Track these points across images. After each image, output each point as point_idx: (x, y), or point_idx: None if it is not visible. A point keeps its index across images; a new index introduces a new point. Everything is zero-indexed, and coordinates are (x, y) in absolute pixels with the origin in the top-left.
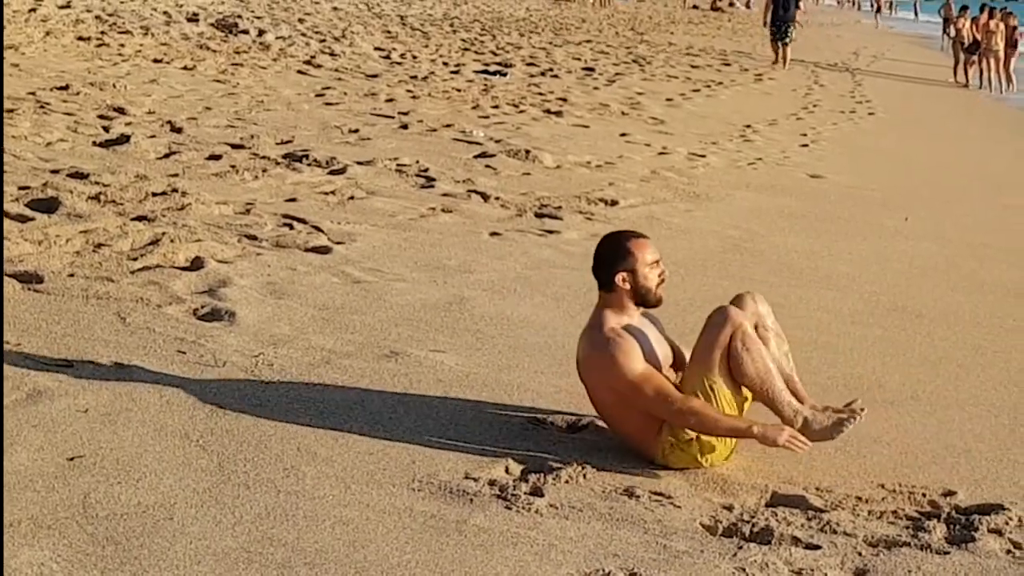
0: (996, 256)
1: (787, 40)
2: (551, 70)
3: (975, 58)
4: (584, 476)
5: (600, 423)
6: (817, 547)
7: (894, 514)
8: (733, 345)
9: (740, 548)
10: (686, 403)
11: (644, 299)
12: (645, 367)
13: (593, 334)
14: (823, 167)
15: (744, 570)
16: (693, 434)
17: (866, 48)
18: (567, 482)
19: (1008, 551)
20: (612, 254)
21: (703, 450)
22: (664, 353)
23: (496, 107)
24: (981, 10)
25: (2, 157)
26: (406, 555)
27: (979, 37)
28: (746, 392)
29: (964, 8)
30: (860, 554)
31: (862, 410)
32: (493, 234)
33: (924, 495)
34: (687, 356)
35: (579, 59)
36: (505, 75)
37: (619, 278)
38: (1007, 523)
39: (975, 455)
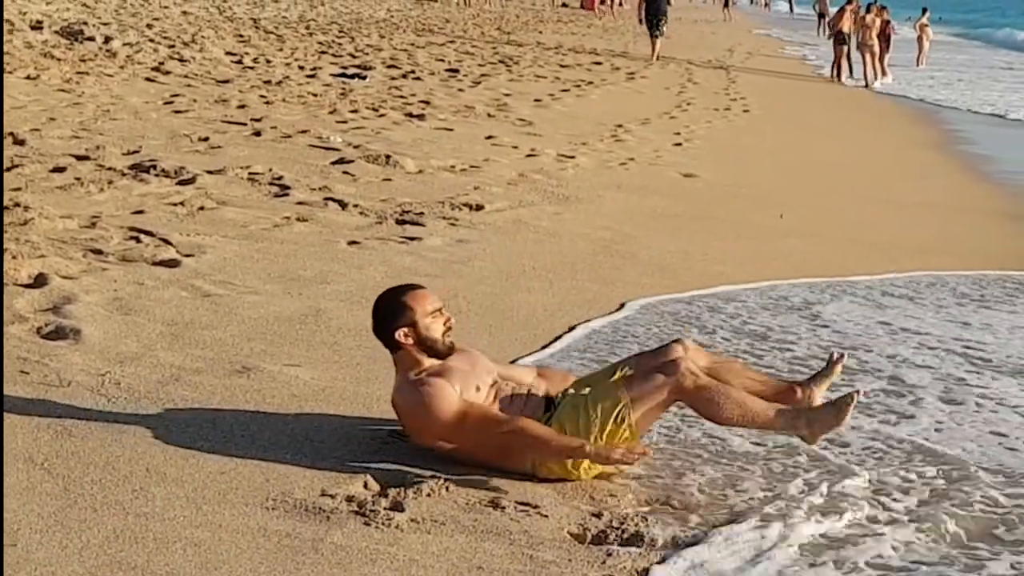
0: (868, 252)
1: (657, 33)
2: (413, 72)
3: (844, 49)
4: (447, 489)
5: None
6: (689, 550)
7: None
8: (701, 405)
9: (610, 555)
10: (513, 424)
11: (432, 350)
12: (459, 403)
13: (398, 396)
14: (697, 166)
15: None
16: None
17: (740, 45)
18: (429, 496)
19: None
20: (388, 312)
21: (574, 464)
22: (485, 372)
23: (355, 111)
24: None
25: (2, 159)
26: (260, 575)
27: (845, 29)
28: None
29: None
30: (737, 556)
31: (859, 392)
32: (351, 243)
33: (791, 495)
34: (525, 373)
35: (443, 60)
36: (364, 78)
37: (400, 335)
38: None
39: None
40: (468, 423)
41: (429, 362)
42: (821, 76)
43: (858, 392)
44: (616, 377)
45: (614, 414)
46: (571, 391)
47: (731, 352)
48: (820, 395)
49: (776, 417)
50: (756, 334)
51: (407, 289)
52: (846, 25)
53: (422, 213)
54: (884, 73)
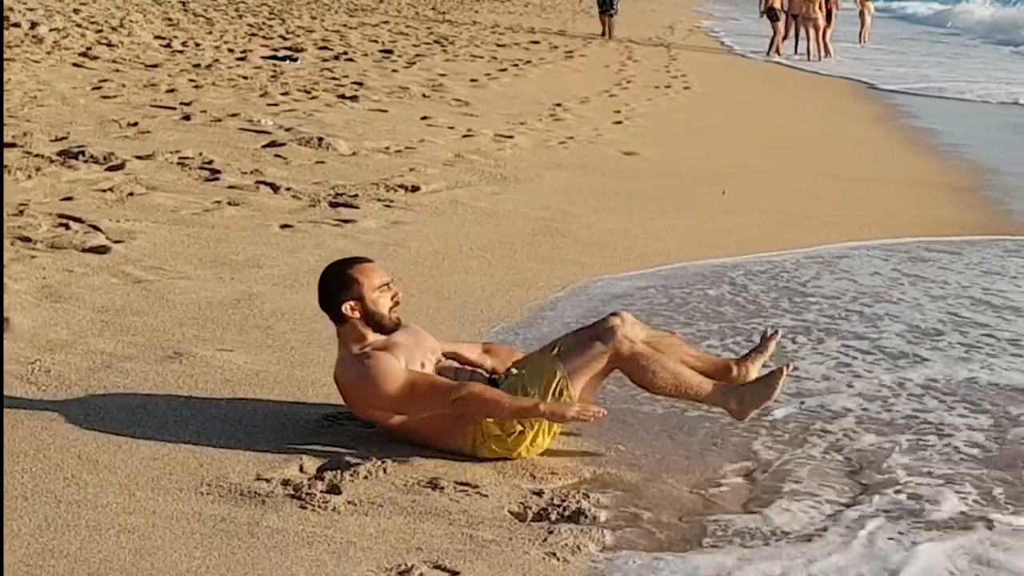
0: (811, 225)
1: (612, 12)
2: (346, 53)
3: (780, 25)
4: (384, 471)
5: None
6: (630, 526)
7: (703, 485)
8: (635, 371)
9: (551, 532)
10: (462, 391)
11: (378, 325)
12: (405, 374)
13: (342, 369)
14: (637, 144)
15: (555, 554)
16: (499, 429)
17: (681, 22)
18: (366, 478)
19: None
20: (335, 285)
21: (515, 442)
22: (428, 347)
23: (286, 94)
24: None
25: (2, 162)
26: (195, 560)
27: (776, 5)
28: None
29: None
30: (675, 527)
31: (788, 366)
32: (284, 226)
33: (728, 470)
34: (466, 349)
35: (376, 41)
36: (296, 60)
37: (347, 308)
38: None
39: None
40: (417, 393)
41: (374, 337)
42: (766, 53)
43: (788, 367)
44: (554, 352)
45: (552, 388)
46: (513, 370)
47: (669, 328)
48: (755, 371)
49: (709, 391)
50: (696, 310)
51: (355, 262)
52: (777, 1)
53: (356, 195)
54: (828, 50)
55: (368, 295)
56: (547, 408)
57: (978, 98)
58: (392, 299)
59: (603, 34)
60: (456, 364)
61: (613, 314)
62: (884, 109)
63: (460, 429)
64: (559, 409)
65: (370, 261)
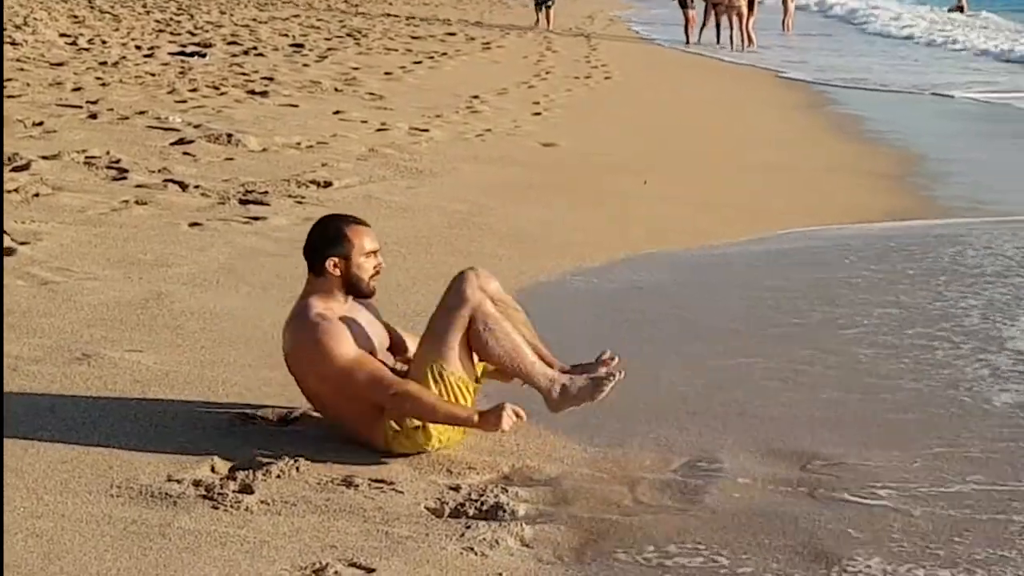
0: (734, 216)
1: (549, 4)
2: (255, 48)
3: (691, 13)
4: (297, 469)
5: (314, 413)
6: (548, 520)
7: (622, 480)
8: (475, 328)
9: (468, 528)
10: (402, 387)
11: (355, 288)
12: (356, 352)
13: (298, 322)
14: (557, 135)
15: (473, 549)
16: (417, 421)
17: (602, 11)
18: (279, 477)
19: None
20: (326, 237)
21: (428, 436)
22: (379, 337)
23: (195, 90)
24: None
25: (2, 162)
26: (105, 563)
27: None
28: (479, 371)
29: None
30: (595, 520)
31: (620, 371)
32: (193, 224)
33: (647, 463)
34: (409, 340)
35: (287, 35)
36: (204, 56)
37: (330, 263)
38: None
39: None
40: (358, 376)
41: (340, 302)
42: (689, 43)
43: (616, 375)
44: (421, 339)
45: (434, 378)
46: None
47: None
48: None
49: (537, 372)
50: (614, 305)
51: (351, 221)
52: None
53: (267, 192)
54: (750, 39)
55: (355, 257)
56: (481, 420)
57: (901, 87)
58: (375, 267)
59: (537, 22)
60: (395, 353)
61: (468, 269)
62: (807, 97)
63: (379, 424)
64: (493, 419)
65: (366, 225)
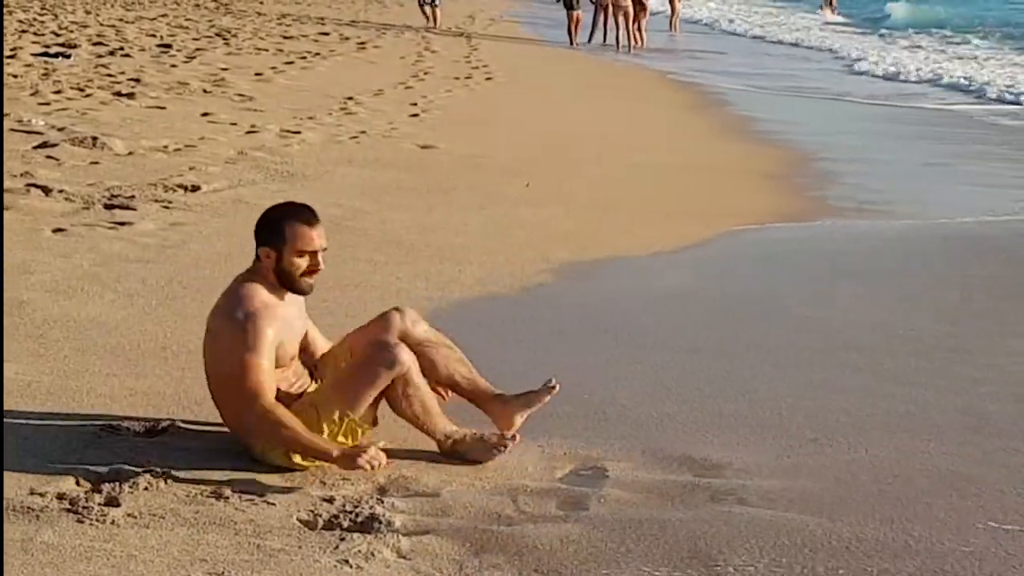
0: (620, 215)
1: (436, 3)
2: (122, 49)
3: (574, 13)
4: (165, 481)
5: (182, 424)
6: (427, 531)
7: (504, 490)
8: (394, 391)
9: (343, 540)
10: (271, 412)
11: (286, 283)
12: (257, 359)
13: (227, 301)
14: (435, 136)
15: (348, 561)
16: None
17: (483, 11)
18: (146, 489)
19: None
20: (265, 226)
21: (296, 458)
22: (299, 337)
23: (59, 92)
24: None
25: (2, 162)
26: None
27: None
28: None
29: None
30: (476, 530)
31: (514, 440)
32: (57, 230)
33: (530, 471)
34: (320, 341)
35: (154, 35)
36: (69, 57)
37: (263, 252)
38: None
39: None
40: (245, 379)
41: (275, 289)
42: (575, 44)
43: (510, 444)
44: (331, 381)
45: (333, 420)
46: (313, 385)
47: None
48: (519, 420)
49: (438, 431)
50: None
51: (296, 216)
52: None
53: (133, 196)
54: (640, 39)
55: (287, 253)
56: (339, 454)
57: (786, 90)
58: (309, 267)
59: (427, 20)
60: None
61: (394, 310)
62: (695, 98)
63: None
64: (349, 460)
65: (311, 224)
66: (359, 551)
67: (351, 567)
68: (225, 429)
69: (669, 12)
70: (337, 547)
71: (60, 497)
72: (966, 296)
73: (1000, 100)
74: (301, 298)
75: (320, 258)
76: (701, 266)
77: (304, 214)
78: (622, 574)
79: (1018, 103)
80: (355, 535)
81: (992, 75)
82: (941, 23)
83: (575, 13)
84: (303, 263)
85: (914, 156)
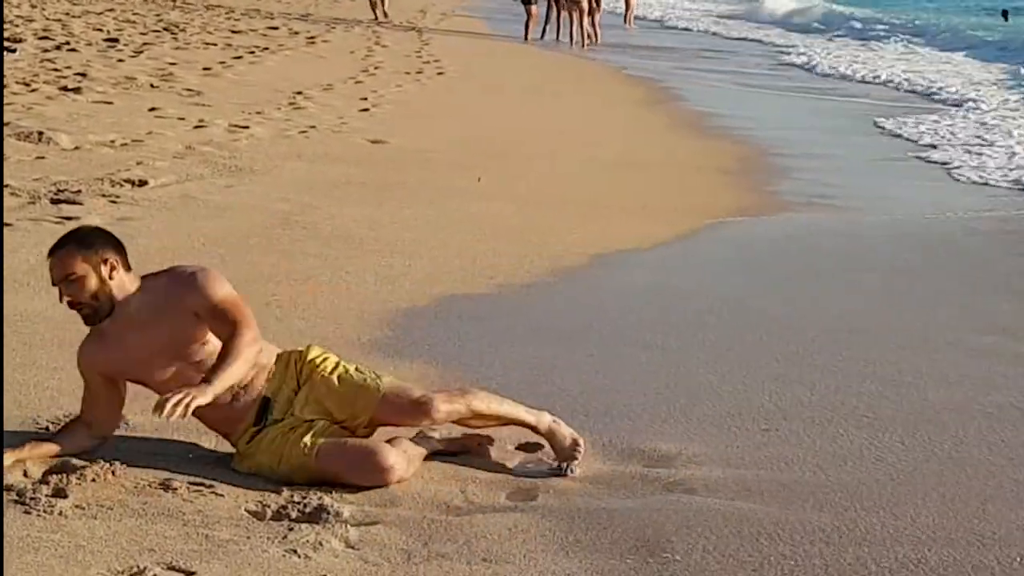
0: (572, 210)
1: None
2: (68, 43)
3: (533, 9)
4: (113, 473)
5: (131, 418)
6: (375, 522)
7: (454, 480)
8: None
9: (291, 530)
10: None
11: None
12: (89, 375)
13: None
14: (386, 131)
15: (296, 551)
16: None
17: (435, 5)
18: (94, 480)
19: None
20: None
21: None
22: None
23: (3, 87)
24: None
25: (2, 162)
26: None
27: None
28: None
29: None
30: (424, 520)
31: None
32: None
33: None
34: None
35: (101, 29)
36: (14, 51)
37: None
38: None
39: None
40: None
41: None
42: (528, 39)
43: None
44: (311, 448)
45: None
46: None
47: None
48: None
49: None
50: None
51: (54, 248)
52: None
53: (79, 191)
54: (593, 35)
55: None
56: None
57: (740, 85)
58: (61, 298)
59: (375, 17)
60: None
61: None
62: (649, 92)
63: None
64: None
65: (52, 255)
66: (307, 541)
67: (299, 556)
68: (174, 422)
69: (624, 7)
70: (285, 537)
71: (7, 489)
72: (914, 289)
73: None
74: (137, 320)
75: (60, 290)
76: (657, 261)
77: (55, 247)
78: (571, 563)
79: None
80: (303, 525)
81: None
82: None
83: (533, 8)
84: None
85: (864, 152)
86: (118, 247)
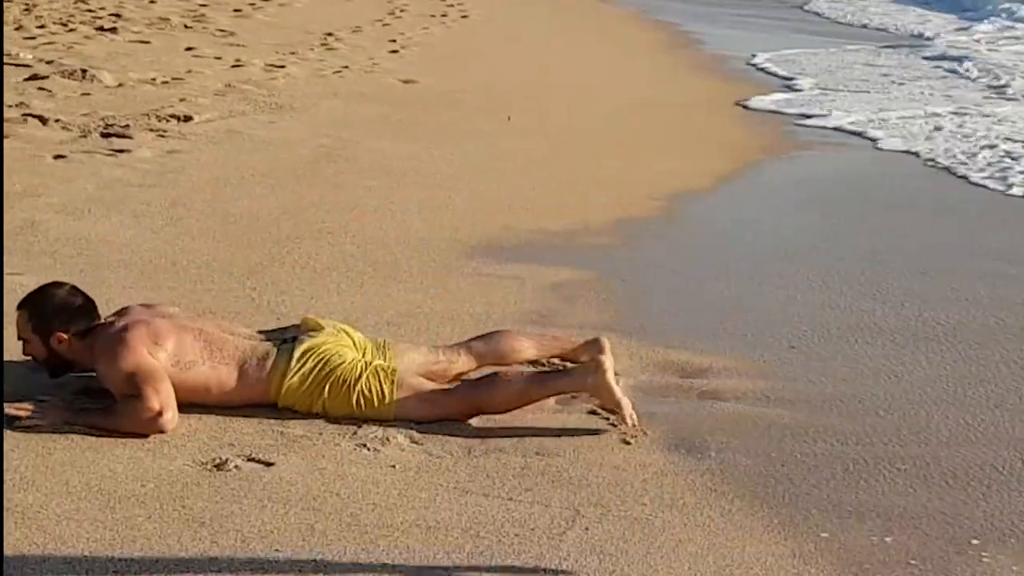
0: (600, 145)
1: None
2: None
3: None
4: None
5: None
6: (439, 424)
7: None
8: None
9: (360, 428)
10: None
11: None
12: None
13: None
14: (415, 72)
15: (366, 445)
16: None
17: None
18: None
19: None
20: None
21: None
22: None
23: (42, 27)
24: None
25: (2, 163)
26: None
27: None
28: None
29: None
30: (481, 420)
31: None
32: (58, 157)
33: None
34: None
35: None
36: None
37: None
38: None
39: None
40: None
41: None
42: None
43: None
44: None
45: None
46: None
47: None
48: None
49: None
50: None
51: (19, 305)
52: None
53: (128, 126)
54: None
55: None
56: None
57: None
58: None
59: None
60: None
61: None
62: (671, 36)
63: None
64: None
65: (18, 309)
66: (375, 437)
67: (369, 450)
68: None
69: None
70: (355, 433)
71: None
72: (931, 221)
73: None
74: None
75: (22, 346)
76: (701, 195)
77: (23, 298)
78: (615, 456)
79: None
80: (370, 425)
81: None
82: None
83: None
84: None
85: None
86: (75, 316)
